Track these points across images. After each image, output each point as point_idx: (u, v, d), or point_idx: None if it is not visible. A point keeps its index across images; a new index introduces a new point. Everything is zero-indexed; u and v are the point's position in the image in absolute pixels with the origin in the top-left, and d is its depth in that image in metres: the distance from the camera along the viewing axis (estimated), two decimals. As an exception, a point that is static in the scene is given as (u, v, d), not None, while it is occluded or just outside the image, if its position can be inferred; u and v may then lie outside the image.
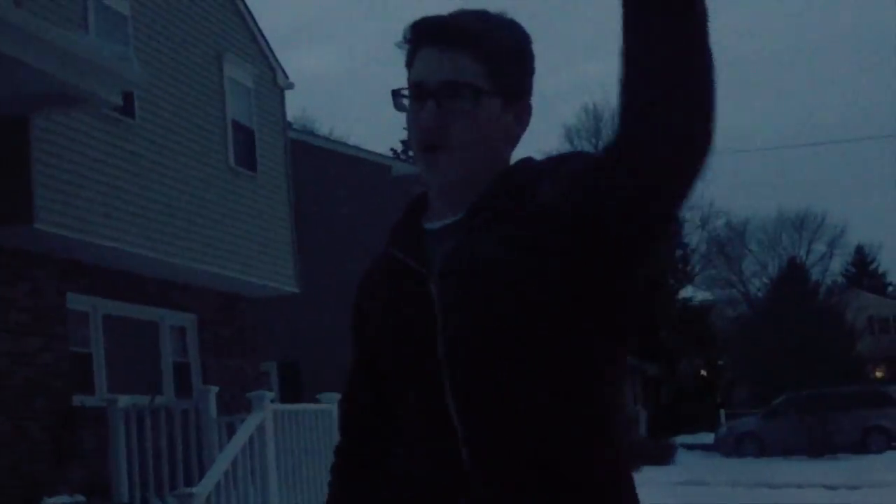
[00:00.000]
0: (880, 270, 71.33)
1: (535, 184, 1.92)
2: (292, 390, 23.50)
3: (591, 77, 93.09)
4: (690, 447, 34.99)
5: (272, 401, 11.82)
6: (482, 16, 1.98)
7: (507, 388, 1.85)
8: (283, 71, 18.64)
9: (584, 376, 1.88)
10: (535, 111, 2.04)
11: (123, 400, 11.71)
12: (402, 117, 1.99)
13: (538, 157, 2.03)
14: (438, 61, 1.93)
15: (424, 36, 1.95)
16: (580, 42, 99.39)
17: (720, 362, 52.90)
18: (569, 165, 1.91)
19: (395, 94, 2.00)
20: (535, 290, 1.84)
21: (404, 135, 54.35)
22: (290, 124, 22.29)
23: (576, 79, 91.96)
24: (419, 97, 1.94)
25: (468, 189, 1.95)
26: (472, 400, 1.87)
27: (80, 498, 11.56)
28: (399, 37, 2.00)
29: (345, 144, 31.86)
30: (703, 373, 50.74)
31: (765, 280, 60.33)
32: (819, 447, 30.46)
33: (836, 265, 65.72)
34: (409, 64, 1.98)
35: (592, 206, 1.79)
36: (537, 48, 2.03)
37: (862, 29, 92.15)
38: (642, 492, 2.02)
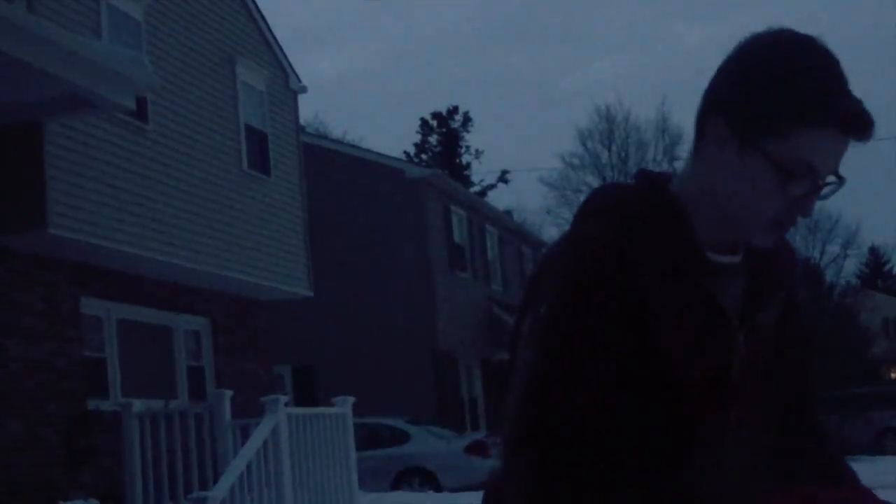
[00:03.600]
0: (895, 272, 71.13)
1: (795, 268, 2.04)
2: (306, 394, 23.50)
3: (605, 76, 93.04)
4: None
5: (286, 404, 11.82)
6: None
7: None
8: (296, 75, 18.66)
9: None
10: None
11: (138, 404, 11.73)
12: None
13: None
14: (838, 155, 1.87)
15: (854, 127, 1.85)
16: (593, 40, 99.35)
17: (735, 364, 52.75)
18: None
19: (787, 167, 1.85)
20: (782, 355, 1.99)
21: (417, 138, 54.28)
22: (303, 128, 22.31)
23: (588, 78, 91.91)
24: (801, 177, 1.83)
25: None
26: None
27: (95, 502, 11.59)
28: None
29: (358, 148, 31.88)
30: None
31: (779, 281, 60.08)
32: (834, 449, 30.35)
33: (851, 266, 65.51)
34: (796, 134, 1.82)
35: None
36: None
37: (881, 27, 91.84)
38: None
